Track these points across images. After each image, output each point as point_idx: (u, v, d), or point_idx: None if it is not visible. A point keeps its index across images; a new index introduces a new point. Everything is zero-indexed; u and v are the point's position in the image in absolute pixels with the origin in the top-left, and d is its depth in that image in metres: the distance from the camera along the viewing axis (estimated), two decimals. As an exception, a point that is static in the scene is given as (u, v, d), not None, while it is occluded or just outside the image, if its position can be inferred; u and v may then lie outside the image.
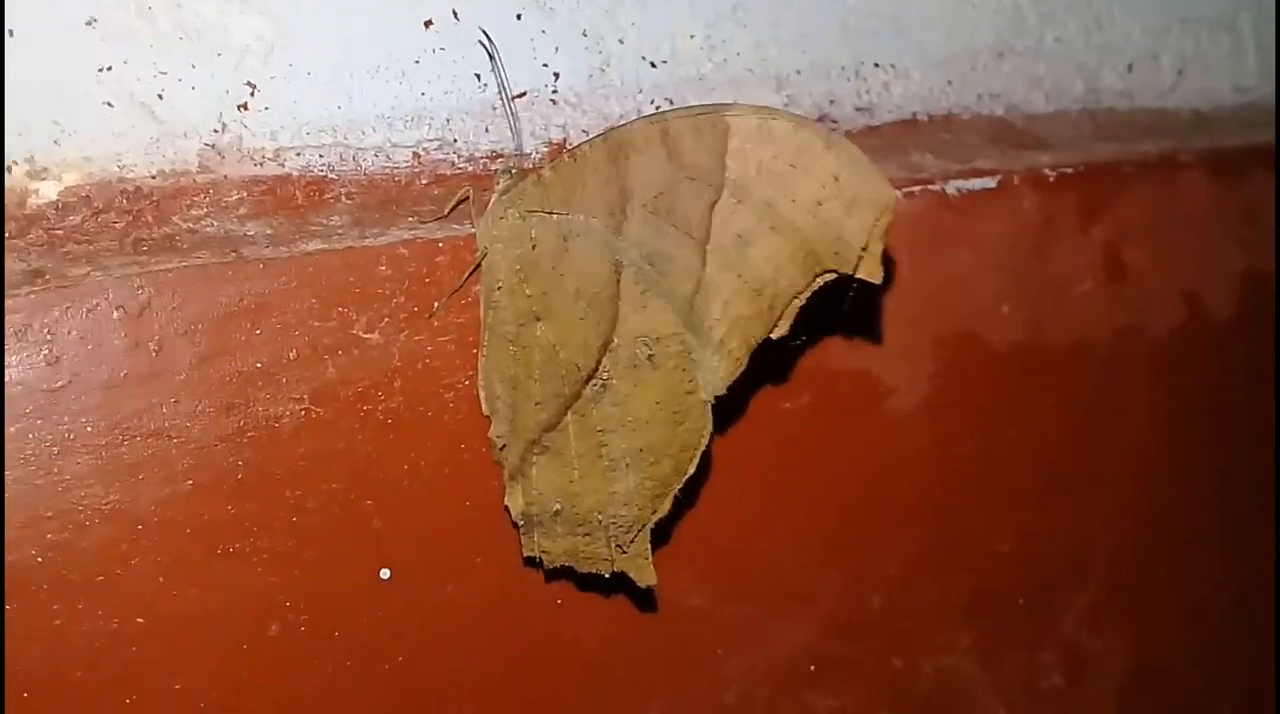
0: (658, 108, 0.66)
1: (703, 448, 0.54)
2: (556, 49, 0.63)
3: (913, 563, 0.72)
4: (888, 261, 0.48)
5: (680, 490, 0.55)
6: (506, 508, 0.57)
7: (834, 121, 0.71)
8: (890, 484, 0.70)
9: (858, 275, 0.49)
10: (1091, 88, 0.82)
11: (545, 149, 0.62)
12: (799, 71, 0.70)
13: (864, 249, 0.48)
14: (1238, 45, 0.88)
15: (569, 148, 0.55)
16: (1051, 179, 0.72)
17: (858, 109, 0.72)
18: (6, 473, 0.48)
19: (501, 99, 0.59)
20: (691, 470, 0.54)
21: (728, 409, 0.55)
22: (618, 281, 0.52)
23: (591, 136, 0.52)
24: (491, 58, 0.58)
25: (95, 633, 0.51)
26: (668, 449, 0.54)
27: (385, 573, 0.57)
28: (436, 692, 0.59)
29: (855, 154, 0.48)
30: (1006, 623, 0.76)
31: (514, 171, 0.55)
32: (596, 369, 0.54)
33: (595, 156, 0.52)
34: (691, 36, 0.67)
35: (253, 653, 0.54)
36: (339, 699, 0.56)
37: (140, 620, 0.52)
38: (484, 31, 0.58)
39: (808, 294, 0.50)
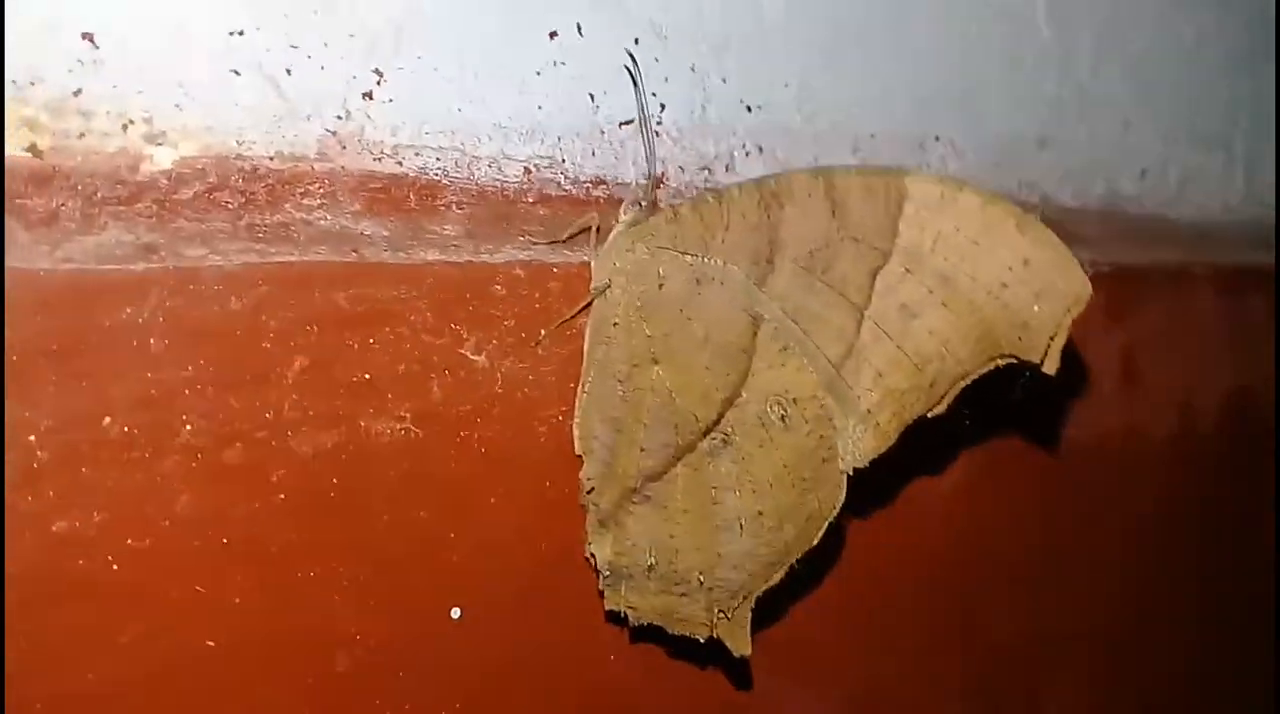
0: (748, 153, 0.69)
1: (831, 519, 0.55)
2: (666, 79, 0.65)
3: (918, 638, 0.77)
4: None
5: (798, 561, 0.56)
6: (589, 558, 0.59)
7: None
8: (912, 563, 0.75)
9: (1037, 365, 0.52)
10: (1110, 189, 0.90)
11: (644, 180, 0.65)
12: (873, 136, 0.75)
13: (1051, 339, 0.52)
14: (1229, 166, 0.99)
15: (710, 189, 0.57)
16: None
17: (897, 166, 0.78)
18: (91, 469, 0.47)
19: (641, 129, 0.61)
20: (815, 542, 0.55)
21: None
22: (754, 334, 0.54)
23: (741, 182, 0.55)
24: (635, 83, 0.60)
25: (164, 652, 0.49)
26: (791, 517, 0.55)
27: (456, 612, 0.57)
28: (487, 743, 0.59)
29: (1050, 238, 0.50)
30: (1002, 701, 0.82)
31: (643, 204, 0.57)
32: (718, 422, 0.55)
33: (744, 201, 0.53)
34: (786, 85, 0.70)
35: (317, 687, 0.53)
36: (391, 743, 0.56)
37: (210, 644, 0.51)
38: (630, 54, 0.60)
39: (975, 376, 0.53)
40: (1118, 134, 0.89)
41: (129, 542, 0.48)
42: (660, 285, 0.54)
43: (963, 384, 0.53)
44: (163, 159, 0.50)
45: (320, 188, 0.54)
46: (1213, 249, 0.92)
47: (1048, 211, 0.84)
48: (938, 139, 0.78)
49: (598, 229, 0.57)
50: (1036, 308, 0.50)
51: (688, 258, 0.54)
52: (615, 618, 0.59)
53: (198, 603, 0.50)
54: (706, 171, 0.67)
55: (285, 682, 0.53)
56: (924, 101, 0.76)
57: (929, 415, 0.53)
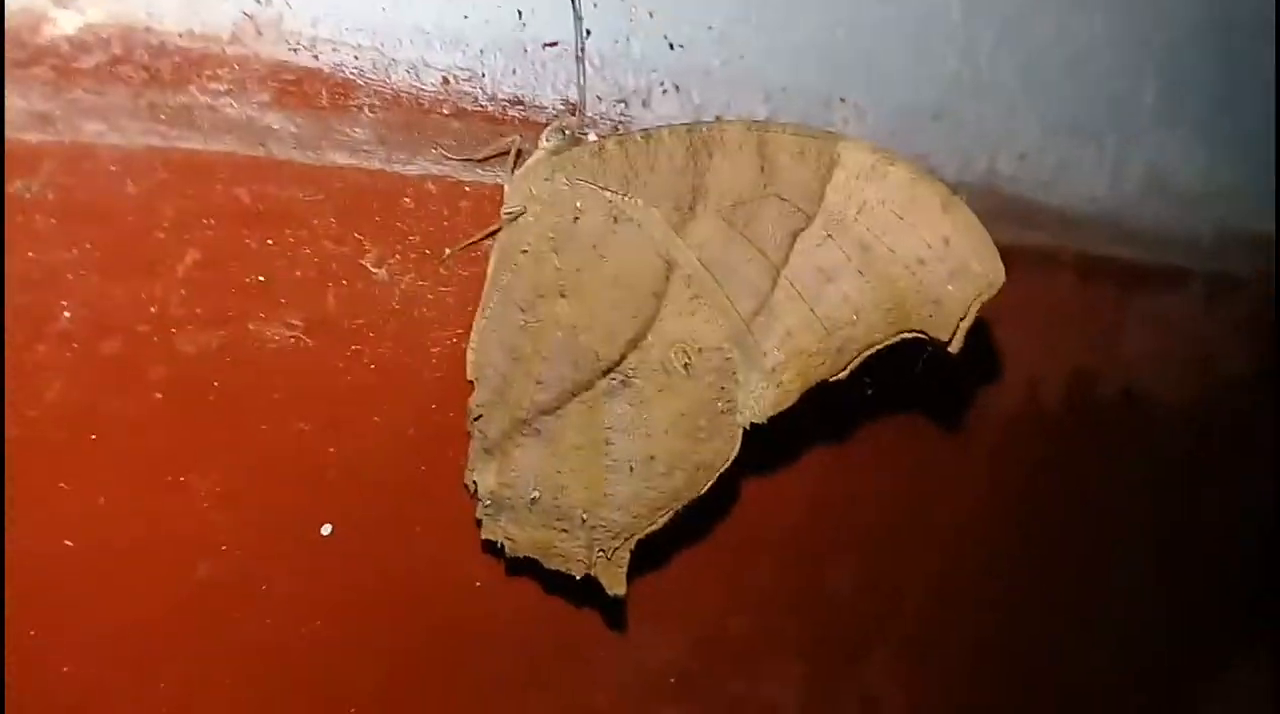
0: (664, 90, 0.68)
1: (722, 470, 0.55)
2: (595, 5, 0.63)
3: (771, 594, 0.79)
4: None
5: (683, 509, 0.56)
6: (467, 485, 0.57)
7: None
8: (764, 515, 0.77)
9: (943, 343, 0.53)
10: (991, 168, 0.92)
11: (561, 106, 0.63)
12: (785, 89, 0.74)
13: (960, 319, 0.52)
14: (1100, 160, 1.03)
15: (643, 129, 0.55)
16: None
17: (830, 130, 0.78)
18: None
19: (577, 59, 0.59)
20: (704, 491, 0.55)
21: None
22: (666, 279, 0.53)
23: (674, 124, 0.54)
24: (574, 8, 0.58)
25: (18, 547, 0.46)
26: (682, 464, 0.55)
27: (326, 529, 0.55)
28: (342, 661, 0.58)
29: (973, 222, 0.51)
30: (828, 660, 0.85)
31: (567, 133, 0.55)
32: (619, 363, 0.54)
33: (673, 144, 0.52)
34: (710, 28, 0.69)
35: (173, 593, 0.51)
36: (246, 655, 0.54)
37: (68, 543, 0.48)
38: (573, -19, 0.58)
39: (882, 346, 0.53)
40: (1004, 117, 0.91)
41: (-9, 429, 0.44)
42: (575, 218, 0.53)
43: (868, 353, 0.53)
44: (67, 24, 0.46)
45: (230, 73, 0.51)
46: (1076, 237, 0.95)
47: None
48: (843, 100, 0.78)
49: (518, 153, 0.55)
50: (950, 287, 0.51)
51: (607, 194, 0.53)
52: (491, 548, 0.58)
53: (59, 499, 0.47)
54: (623, 104, 0.65)
55: (143, 586, 0.50)
56: (836, 63, 0.76)
57: (831, 380, 0.54)
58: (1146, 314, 1.03)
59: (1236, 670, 1.34)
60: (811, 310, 0.53)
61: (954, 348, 0.52)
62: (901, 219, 0.51)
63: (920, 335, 0.53)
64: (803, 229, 0.52)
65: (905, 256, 0.51)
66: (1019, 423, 0.92)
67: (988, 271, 0.51)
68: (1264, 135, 1.24)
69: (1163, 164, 1.09)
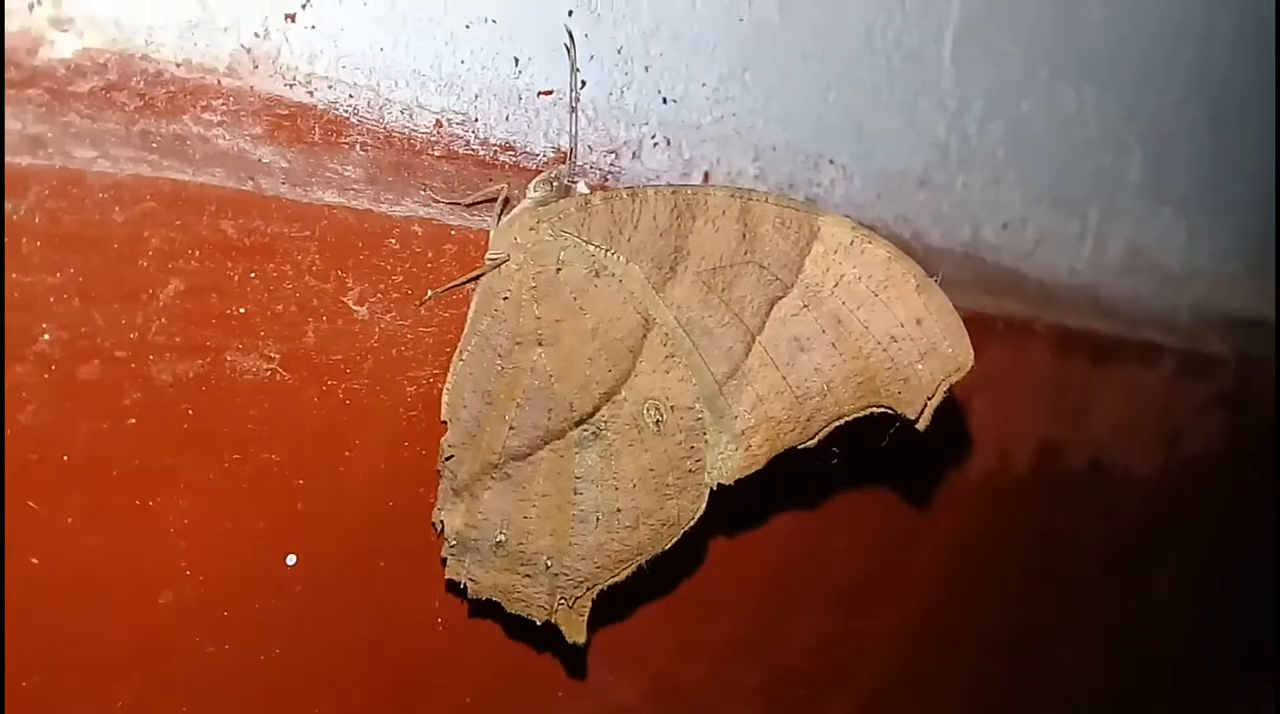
0: (655, 143, 0.68)
1: (687, 528, 0.56)
2: (591, 56, 0.64)
3: (732, 643, 0.79)
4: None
5: (648, 563, 0.57)
6: (434, 524, 0.58)
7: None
8: (724, 572, 0.77)
9: (911, 419, 0.54)
10: (975, 236, 0.93)
11: (552, 154, 0.64)
12: (774, 148, 0.75)
13: (928, 398, 0.53)
14: (1082, 233, 1.04)
15: (630, 187, 0.56)
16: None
17: (806, 198, 0.79)
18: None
19: (570, 110, 0.60)
20: (668, 546, 0.56)
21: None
22: (644, 337, 0.54)
23: (659, 183, 0.55)
24: (571, 60, 0.59)
25: (-20, 567, 0.46)
26: (648, 519, 0.55)
27: (291, 559, 0.55)
28: (300, 691, 0.58)
29: (945, 304, 0.51)
30: (784, 710, 0.85)
31: (555, 183, 0.56)
32: (593, 415, 0.55)
33: (658, 205, 0.53)
34: (703, 84, 0.70)
35: (137, 617, 0.51)
36: (205, 681, 0.54)
37: (34, 561, 0.48)
38: (569, 32, 0.58)
39: (850, 417, 0.54)
40: (989, 186, 0.92)
41: (-38, 446, 0.44)
42: (558, 269, 0.53)
43: (837, 423, 0.54)
44: (64, 47, 0.47)
45: (224, 104, 0.51)
46: (1053, 308, 0.96)
47: (916, 248, 0.86)
48: (831, 162, 0.79)
49: (505, 200, 0.56)
50: (920, 367, 0.52)
51: (591, 247, 0.53)
52: (454, 588, 0.58)
53: (27, 518, 0.47)
54: (614, 155, 0.66)
55: (105, 608, 0.50)
56: (825, 125, 0.77)
57: (800, 447, 0.54)
58: (1117, 387, 1.03)
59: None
60: (784, 378, 0.53)
61: (921, 425, 0.53)
62: (876, 296, 0.52)
63: (889, 410, 0.53)
64: (780, 298, 0.53)
65: (878, 333, 0.52)
66: (986, 488, 0.92)
67: (958, 354, 0.52)
68: (1248, 216, 1.25)
69: (1144, 240, 1.10)
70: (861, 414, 0.54)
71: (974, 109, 0.87)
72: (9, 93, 0.45)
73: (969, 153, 0.89)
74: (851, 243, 0.52)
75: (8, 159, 0.43)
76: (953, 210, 0.89)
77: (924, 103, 0.83)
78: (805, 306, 0.53)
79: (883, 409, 0.53)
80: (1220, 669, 1.37)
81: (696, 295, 0.53)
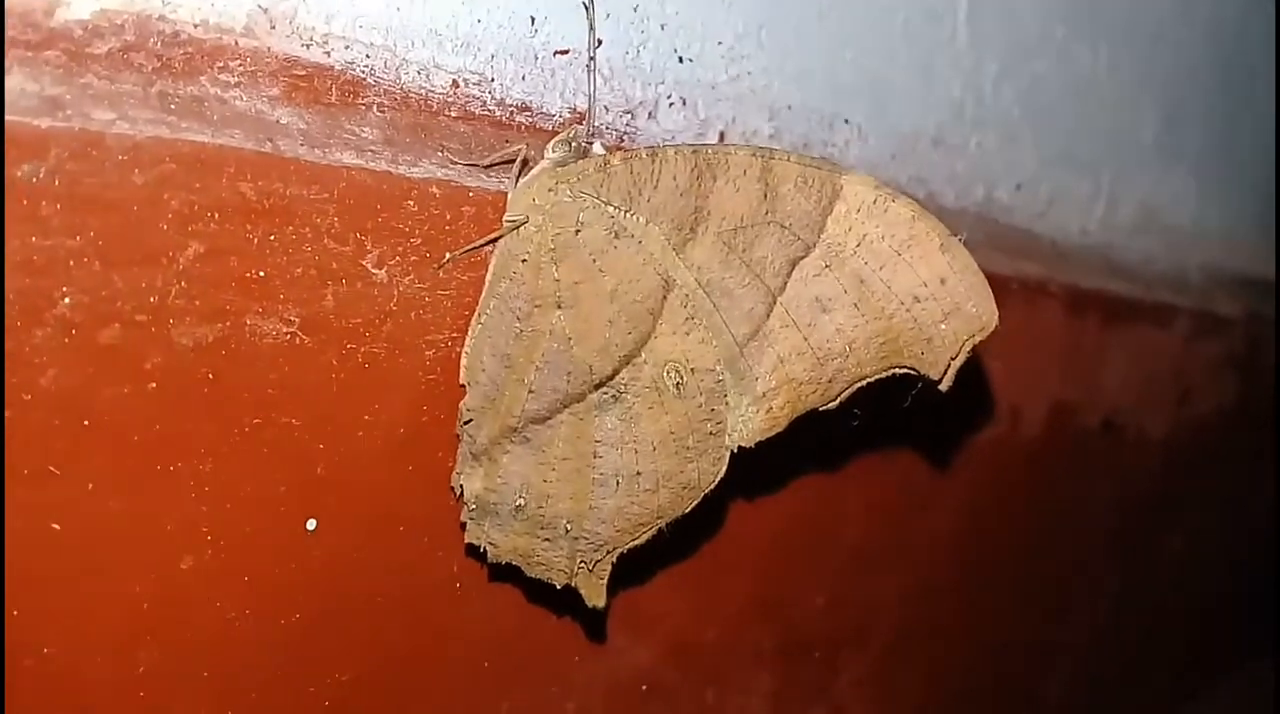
0: (671, 103, 0.68)
1: (708, 491, 0.55)
2: (608, 15, 0.63)
3: (746, 605, 0.79)
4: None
5: (668, 526, 0.56)
6: (453, 488, 0.57)
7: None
8: (740, 533, 0.77)
9: (934, 380, 0.53)
10: (988, 196, 0.93)
11: (568, 114, 0.63)
12: (789, 107, 0.75)
13: (952, 358, 0.53)
14: (1095, 193, 1.04)
15: (649, 147, 0.55)
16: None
17: (834, 162, 0.78)
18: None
19: (589, 72, 0.59)
20: (688, 509, 0.56)
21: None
22: (664, 298, 0.53)
23: (678, 143, 0.54)
24: (589, 21, 0.58)
25: (3, 530, 0.46)
26: (668, 482, 0.55)
27: (311, 524, 0.55)
28: (320, 655, 0.58)
29: (969, 262, 0.51)
30: (799, 673, 0.86)
31: (573, 144, 0.55)
32: (612, 377, 0.54)
33: (678, 165, 0.52)
34: (719, 43, 0.69)
35: (158, 583, 0.51)
36: (225, 647, 0.54)
37: (56, 526, 0.48)
38: (587, -7, 0.58)
39: (873, 379, 0.53)
40: (1003, 146, 0.91)
41: (-15, 411, 0.44)
42: (577, 231, 0.53)
43: (859, 385, 0.54)
44: (81, 8, 0.46)
45: (241, 65, 0.51)
46: (1066, 268, 0.96)
47: (930, 208, 0.86)
48: (846, 122, 0.78)
49: (524, 162, 0.55)
50: (944, 326, 0.51)
51: (610, 208, 0.53)
52: (474, 552, 0.58)
53: (49, 483, 0.47)
54: (629, 115, 0.65)
55: (127, 574, 0.50)
56: (841, 85, 0.77)
57: (821, 409, 0.54)
58: (1130, 348, 1.03)
59: (1198, 702, 1.36)
60: (805, 339, 0.53)
61: (944, 386, 0.53)
62: (899, 256, 0.51)
63: (911, 371, 0.53)
64: (802, 258, 0.52)
65: (901, 293, 0.52)
66: (999, 449, 0.92)
67: (981, 314, 0.51)
68: (1258, 177, 1.25)
69: (1156, 201, 1.10)
70: (884, 375, 0.53)
71: (989, 69, 0.87)
72: (25, 55, 0.45)
73: (984, 113, 0.88)
74: (875, 202, 0.51)
75: (26, 121, 0.42)
76: (967, 170, 0.89)
77: (939, 62, 0.82)
78: (827, 267, 0.52)
79: (905, 370, 0.53)
80: (1225, 631, 1.38)
81: (717, 256, 0.53)
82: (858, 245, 0.52)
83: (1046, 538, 1.04)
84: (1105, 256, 1.02)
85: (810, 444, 0.71)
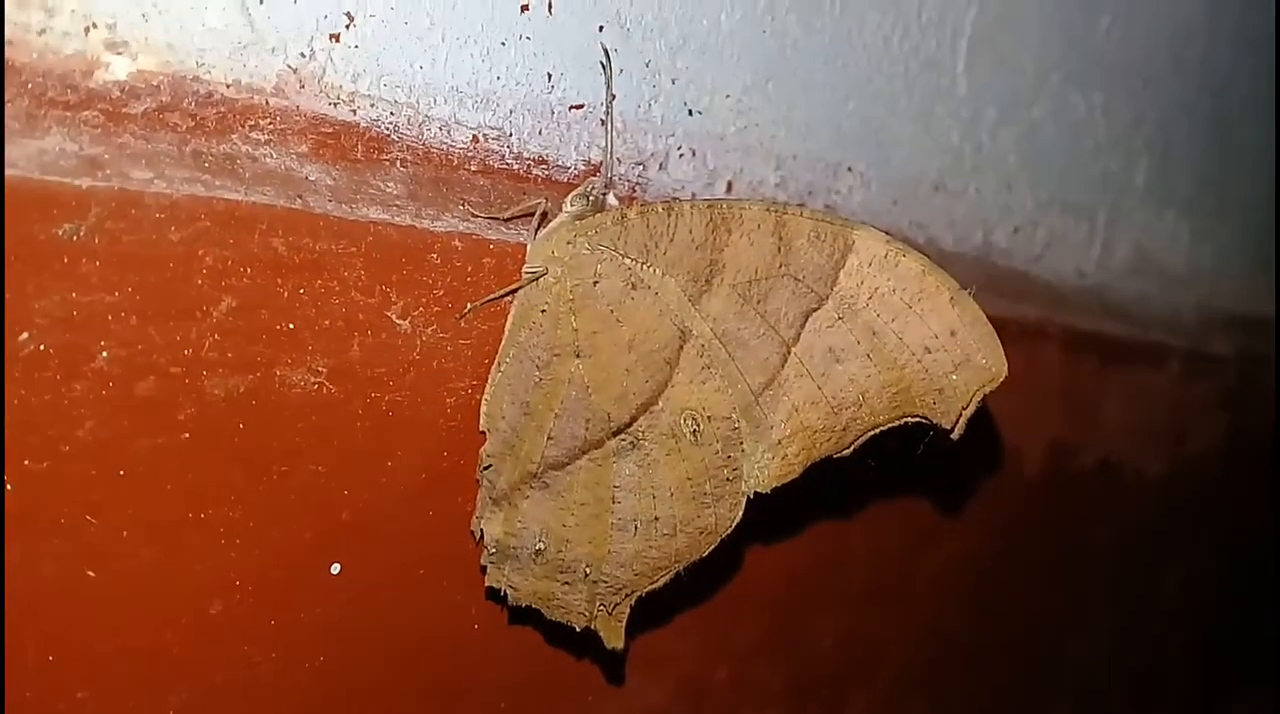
0: (681, 154, 0.69)
1: (724, 535, 0.56)
2: (621, 70, 0.65)
3: (756, 645, 0.80)
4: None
5: (685, 569, 0.58)
6: (473, 532, 0.59)
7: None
8: (752, 576, 0.78)
9: (947, 429, 0.54)
10: (986, 240, 0.95)
11: (583, 166, 0.65)
12: (795, 156, 0.76)
13: (963, 408, 0.54)
14: (1091, 236, 1.06)
15: (665, 201, 0.57)
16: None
17: (825, 206, 0.80)
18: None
19: (606, 126, 0.60)
20: (705, 554, 0.57)
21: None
22: (680, 348, 0.55)
23: (693, 198, 0.56)
24: (606, 77, 0.59)
25: (40, 576, 0.47)
26: (686, 527, 0.56)
27: (335, 568, 0.56)
28: (343, 697, 0.59)
29: (979, 316, 0.52)
30: (807, 710, 0.87)
31: (591, 197, 0.57)
32: (630, 425, 0.55)
33: (694, 219, 0.53)
34: (727, 96, 0.71)
35: (188, 627, 0.52)
36: (252, 690, 0.55)
37: (90, 574, 0.49)
38: (605, 48, 0.59)
39: (885, 427, 0.55)
40: (1001, 191, 0.93)
41: (25, 462, 0.45)
42: (595, 282, 0.54)
43: (872, 433, 0.55)
44: (119, 69, 0.48)
45: (271, 124, 0.52)
46: (1063, 311, 0.98)
47: (930, 252, 0.87)
48: (850, 169, 0.80)
49: (543, 214, 0.57)
50: (954, 377, 0.53)
51: (627, 261, 0.54)
52: (495, 595, 0.59)
53: (84, 531, 0.48)
54: (641, 167, 0.67)
55: (158, 619, 0.51)
56: (844, 134, 0.78)
57: (835, 456, 0.55)
58: (1126, 388, 1.05)
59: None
60: (819, 388, 0.54)
61: (956, 435, 0.54)
62: (910, 308, 0.53)
63: (923, 420, 0.54)
64: (815, 309, 0.54)
65: (912, 344, 0.53)
66: (1000, 489, 0.93)
67: (991, 365, 0.53)
68: (1249, 217, 1.27)
69: (1150, 243, 1.12)
70: (896, 424, 0.55)
71: (987, 116, 0.89)
72: (65, 115, 0.46)
73: (982, 159, 0.90)
74: (886, 256, 0.53)
75: (66, 181, 0.44)
76: (965, 215, 0.91)
77: (939, 110, 0.84)
78: (840, 318, 0.54)
79: (917, 419, 0.54)
80: (1225, 665, 1.39)
81: (732, 307, 0.54)
82: (870, 298, 0.53)
83: (1047, 576, 1.05)
84: (1101, 298, 1.04)
85: (822, 489, 0.72)
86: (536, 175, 0.62)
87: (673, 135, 0.68)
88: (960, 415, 0.53)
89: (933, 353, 0.53)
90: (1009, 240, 0.96)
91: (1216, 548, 1.29)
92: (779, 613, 0.80)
